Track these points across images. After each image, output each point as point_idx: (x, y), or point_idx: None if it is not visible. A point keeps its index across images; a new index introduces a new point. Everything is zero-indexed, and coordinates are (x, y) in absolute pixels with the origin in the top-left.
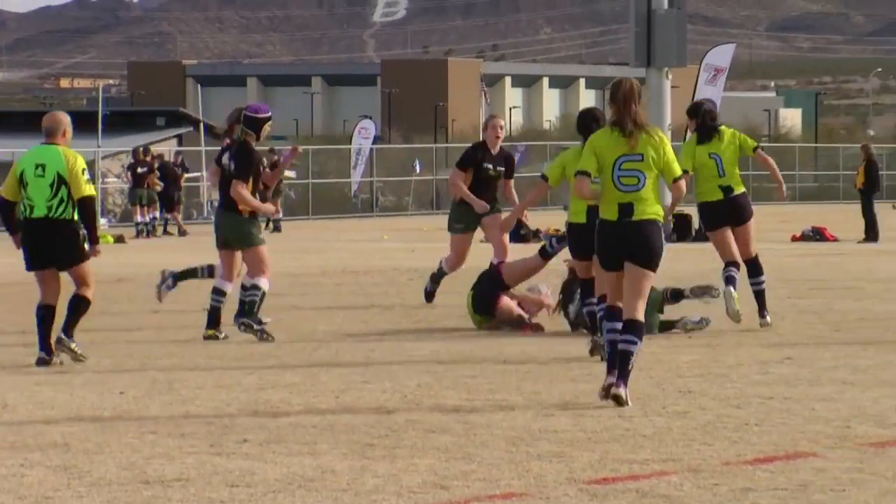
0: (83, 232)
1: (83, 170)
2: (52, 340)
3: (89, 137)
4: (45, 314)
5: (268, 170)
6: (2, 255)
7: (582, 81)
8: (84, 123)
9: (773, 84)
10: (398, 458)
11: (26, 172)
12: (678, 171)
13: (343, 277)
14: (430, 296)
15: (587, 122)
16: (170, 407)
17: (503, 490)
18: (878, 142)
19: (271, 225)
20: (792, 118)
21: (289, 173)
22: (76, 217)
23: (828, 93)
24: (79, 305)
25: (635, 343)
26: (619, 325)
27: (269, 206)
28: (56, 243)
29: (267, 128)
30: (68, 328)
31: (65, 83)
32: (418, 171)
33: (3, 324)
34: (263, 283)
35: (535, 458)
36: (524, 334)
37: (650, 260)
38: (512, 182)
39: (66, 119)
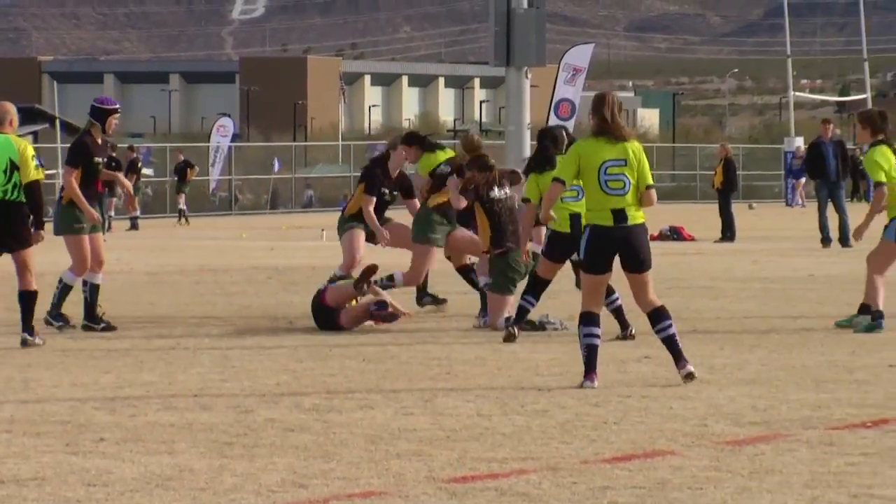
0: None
1: (32, 156)
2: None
3: None
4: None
5: (106, 168)
6: None
7: (441, 80)
8: None
9: (630, 84)
10: (257, 457)
11: None
12: (651, 179)
13: (201, 276)
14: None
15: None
16: (25, 406)
17: (363, 489)
18: (734, 142)
19: (128, 223)
20: (650, 118)
21: (146, 171)
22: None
23: (685, 93)
24: (29, 300)
25: (671, 324)
26: (597, 330)
27: (93, 214)
28: (9, 227)
29: (113, 120)
30: (27, 326)
31: None
32: (277, 169)
33: None
34: (67, 276)
35: (394, 456)
36: (378, 324)
37: (646, 262)
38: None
39: (12, 109)
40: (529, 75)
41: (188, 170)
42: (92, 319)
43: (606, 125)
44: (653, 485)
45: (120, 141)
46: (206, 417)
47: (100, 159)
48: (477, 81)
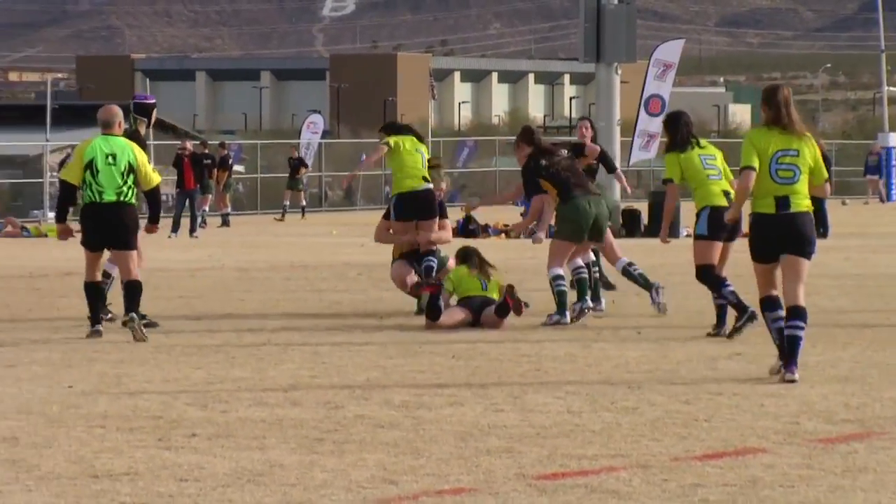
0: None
1: (147, 160)
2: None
3: (38, 131)
4: (96, 290)
5: (198, 165)
6: None
7: (531, 77)
8: (32, 117)
9: (722, 79)
10: (347, 453)
11: (97, 161)
12: (825, 173)
13: (292, 272)
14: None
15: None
16: (118, 401)
17: (452, 485)
18: (827, 137)
19: (219, 220)
20: (741, 114)
21: (237, 167)
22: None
23: None
24: (134, 288)
25: (802, 328)
26: (782, 313)
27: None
28: (119, 227)
29: (154, 114)
30: (133, 307)
31: (13, 77)
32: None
33: None
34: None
35: (484, 453)
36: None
37: (807, 249)
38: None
39: (119, 111)
40: (619, 71)
41: (301, 168)
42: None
43: (780, 116)
44: (744, 482)
45: (211, 138)
46: (297, 413)
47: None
48: (567, 78)
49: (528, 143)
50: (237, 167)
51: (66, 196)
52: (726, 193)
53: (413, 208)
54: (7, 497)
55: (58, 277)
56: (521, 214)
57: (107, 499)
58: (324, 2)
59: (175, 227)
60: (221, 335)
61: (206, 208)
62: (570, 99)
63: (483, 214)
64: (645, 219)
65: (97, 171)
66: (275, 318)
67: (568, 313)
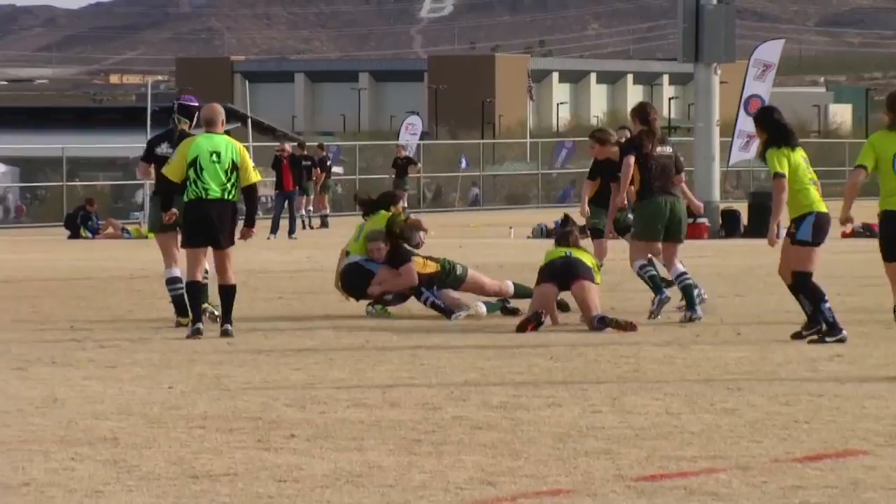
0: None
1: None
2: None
3: (138, 133)
4: (197, 288)
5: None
6: (47, 249)
7: (630, 77)
8: (133, 119)
9: (822, 79)
10: (445, 455)
11: (202, 158)
12: None
13: None
14: None
15: None
16: (218, 402)
17: (550, 486)
18: None
19: (319, 221)
20: (842, 114)
21: (336, 169)
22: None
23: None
24: (230, 294)
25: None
26: None
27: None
28: (223, 224)
29: (197, 116)
30: (227, 318)
31: (114, 79)
32: (464, 166)
33: (53, 318)
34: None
35: (582, 454)
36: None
37: None
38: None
39: (221, 110)
40: (719, 71)
41: (409, 166)
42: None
43: None
44: (845, 485)
45: (310, 140)
46: (395, 414)
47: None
48: (666, 78)
49: (641, 120)
50: (336, 168)
51: (169, 192)
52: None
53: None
54: (108, 497)
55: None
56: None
57: (206, 499)
58: (422, 3)
59: (274, 229)
60: (320, 336)
61: (304, 211)
62: (669, 99)
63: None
64: (745, 219)
65: (202, 169)
66: (372, 319)
67: (667, 291)
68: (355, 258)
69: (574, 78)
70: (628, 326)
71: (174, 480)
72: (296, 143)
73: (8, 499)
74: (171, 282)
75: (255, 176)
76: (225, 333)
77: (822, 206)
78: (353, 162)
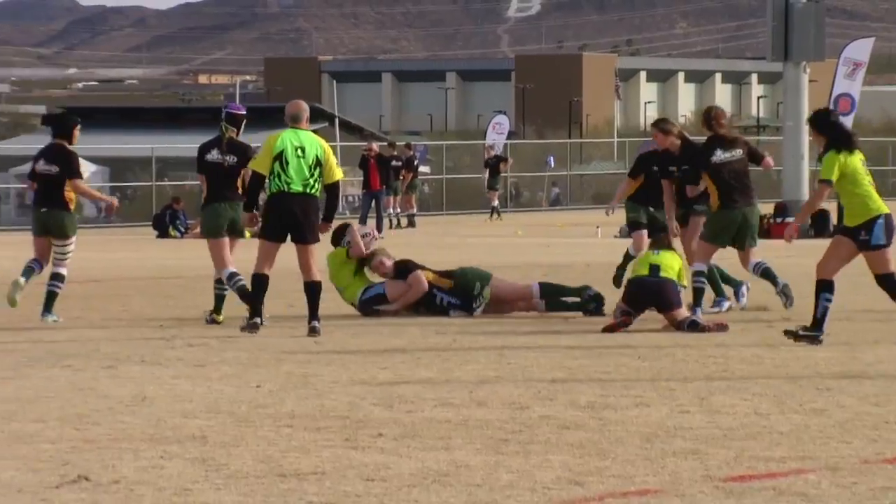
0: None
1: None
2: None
3: None
4: (263, 282)
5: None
6: (136, 249)
7: (718, 76)
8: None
9: None
10: (532, 454)
11: (287, 153)
12: None
13: None
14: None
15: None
16: (305, 401)
17: (638, 487)
18: None
19: (405, 220)
20: None
21: (423, 168)
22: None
23: None
24: (315, 290)
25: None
26: None
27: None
28: (306, 219)
29: (244, 124)
30: (314, 315)
31: (203, 79)
32: (551, 166)
33: (142, 317)
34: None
35: (670, 454)
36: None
37: None
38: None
39: (306, 107)
40: (808, 70)
41: (501, 164)
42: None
43: None
44: None
45: (397, 139)
46: (482, 414)
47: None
48: (754, 77)
49: (706, 125)
50: (423, 168)
51: (255, 186)
52: None
53: None
54: (196, 495)
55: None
56: None
57: (294, 498)
58: (509, 2)
59: None
60: (407, 335)
61: (392, 210)
62: (758, 98)
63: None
64: (834, 219)
65: (287, 163)
66: (458, 318)
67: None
68: (358, 296)
69: (661, 77)
70: (719, 328)
71: (262, 479)
72: (386, 143)
73: (98, 496)
74: (231, 277)
75: (338, 173)
76: (312, 331)
77: (885, 208)
78: (439, 161)
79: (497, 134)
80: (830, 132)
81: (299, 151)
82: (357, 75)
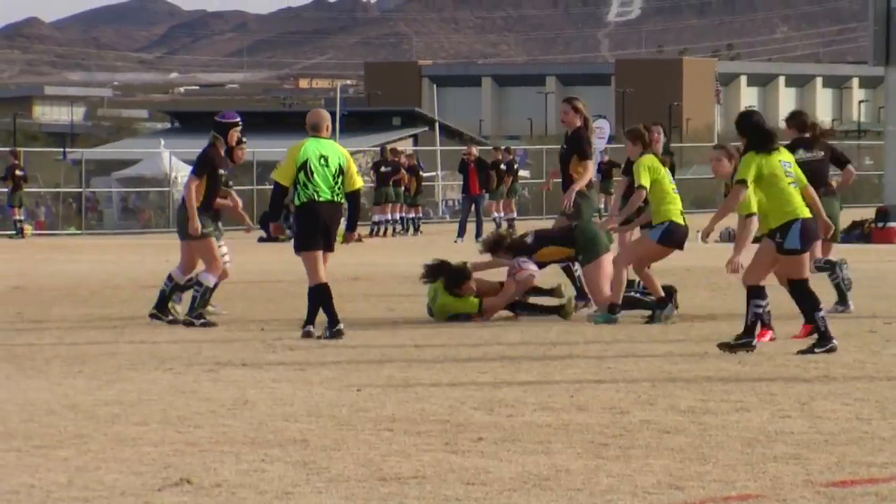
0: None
1: (354, 162)
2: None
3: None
4: (327, 291)
5: (493, 170)
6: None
7: (819, 80)
8: None
9: None
10: (632, 458)
11: (311, 162)
12: None
13: None
14: None
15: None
16: (406, 404)
17: (739, 491)
18: None
19: (506, 224)
20: None
21: (523, 172)
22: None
23: None
24: (330, 294)
25: None
26: None
27: (197, 225)
28: (334, 227)
29: (234, 133)
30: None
31: (304, 84)
32: None
33: (243, 320)
34: (204, 277)
35: (771, 459)
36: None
37: None
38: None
39: (328, 115)
40: None
41: (613, 169)
42: (163, 312)
43: None
44: None
45: (497, 143)
46: (582, 418)
47: (223, 171)
48: (855, 81)
49: (798, 129)
50: (522, 172)
51: (279, 196)
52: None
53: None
54: (298, 498)
55: (345, 282)
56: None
57: (395, 502)
58: (609, 7)
59: (461, 232)
60: (507, 340)
61: (494, 214)
62: (859, 103)
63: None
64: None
65: (312, 172)
66: (559, 322)
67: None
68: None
69: (762, 81)
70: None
71: (363, 482)
72: (492, 147)
73: (200, 499)
74: (198, 283)
75: (358, 181)
76: (337, 334)
77: (806, 212)
78: (539, 165)
79: (598, 138)
80: (751, 133)
81: (322, 160)
82: (457, 79)
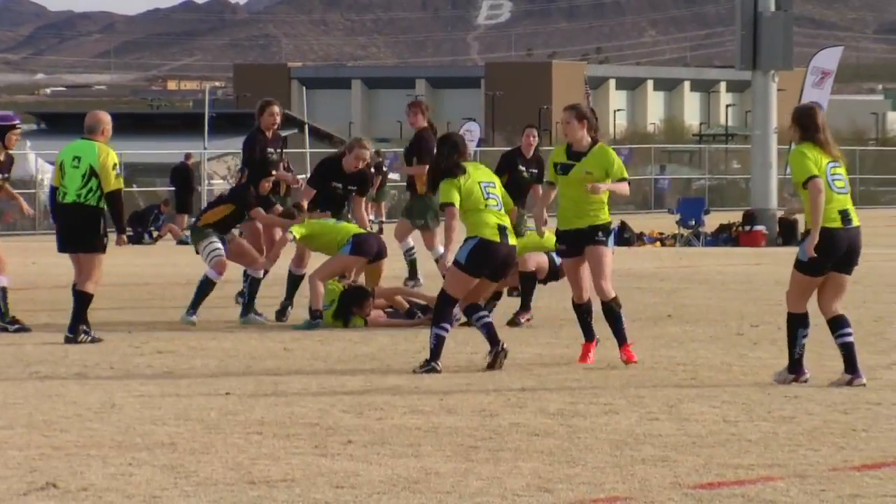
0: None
1: (114, 165)
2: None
3: (196, 139)
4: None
5: (372, 170)
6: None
7: (686, 84)
8: (191, 125)
9: (880, 87)
10: (502, 461)
11: (65, 163)
12: None
13: None
14: None
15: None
16: (275, 408)
17: (608, 493)
18: None
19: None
20: None
21: (393, 175)
22: (101, 207)
23: None
24: (84, 300)
25: (852, 333)
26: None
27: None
28: (80, 229)
29: (13, 136)
30: (74, 326)
31: (172, 85)
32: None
33: (110, 323)
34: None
35: (639, 462)
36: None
37: (855, 265)
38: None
39: (107, 119)
40: (776, 79)
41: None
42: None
43: (820, 133)
44: None
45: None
46: (452, 421)
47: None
48: (723, 85)
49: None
50: (392, 175)
51: (50, 197)
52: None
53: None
54: (166, 502)
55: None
56: (677, 222)
57: None
58: (479, 10)
59: None
60: (377, 343)
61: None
62: (727, 106)
63: (638, 223)
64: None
65: (64, 173)
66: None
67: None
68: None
69: (631, 85)
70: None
71: (232, 486)
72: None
73: (67, 503)
74: None
75: (115, 183)
76: (66, 341)
77: (491, 234)
78: None
79: (468, 141)
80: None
81: (75, 161)
82: (326, 82)
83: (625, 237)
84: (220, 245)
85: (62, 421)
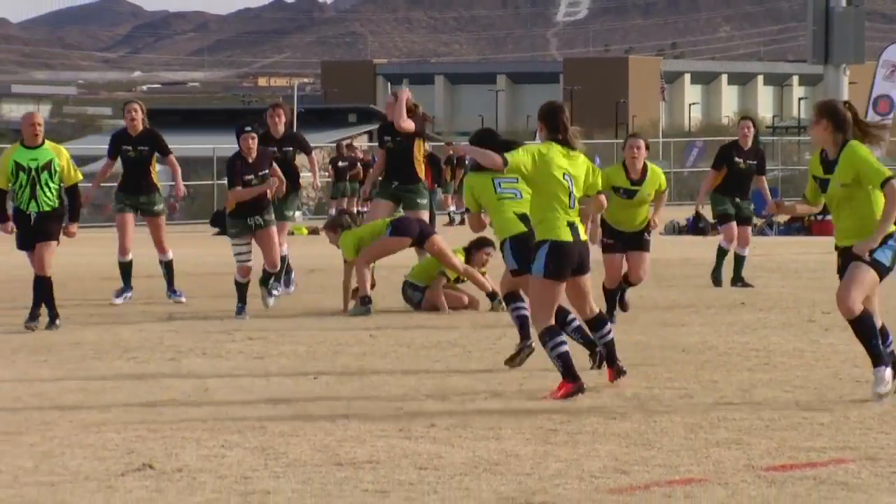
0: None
1: (68, 159)
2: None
3: None
4: (43, 283)
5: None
6: (198, 246)
7: (760, 78)
8: None
9: None
10: (580, 444)
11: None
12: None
13: None
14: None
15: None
16: (361, 392)
17: (682, 476)
18: None
19: (459, 217)
20: None
21: None
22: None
23: None
24: (48, 287)
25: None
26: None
27: None
28: (46, 221)
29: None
30: (33, 312)
31: (262, 82)
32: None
33: (203, 311)
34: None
35: (713, 444)
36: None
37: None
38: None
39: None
40: (847, 72)
41: None
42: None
43: None
44: None
45: (450, 139)
46: (532, 405)
47: None
48: (795, 79)
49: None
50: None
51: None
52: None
53: None
54: (256, 483)
55: (302, 273)
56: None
57: (350, 486)
58: (557, 7)
59: None
60: (459, 330)
61: (452, 208)
62: (799, 100)
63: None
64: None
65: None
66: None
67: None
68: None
69: (705, 79)
70: None
71: (319, 467)
72: (444, 143)
73: (162, 484)
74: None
75: (75, 176)
76: (26, 327)
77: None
78: None
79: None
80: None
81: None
82: (411, 77)
83: (699, 227)
84: (243, 250)
85: (158, 404)
